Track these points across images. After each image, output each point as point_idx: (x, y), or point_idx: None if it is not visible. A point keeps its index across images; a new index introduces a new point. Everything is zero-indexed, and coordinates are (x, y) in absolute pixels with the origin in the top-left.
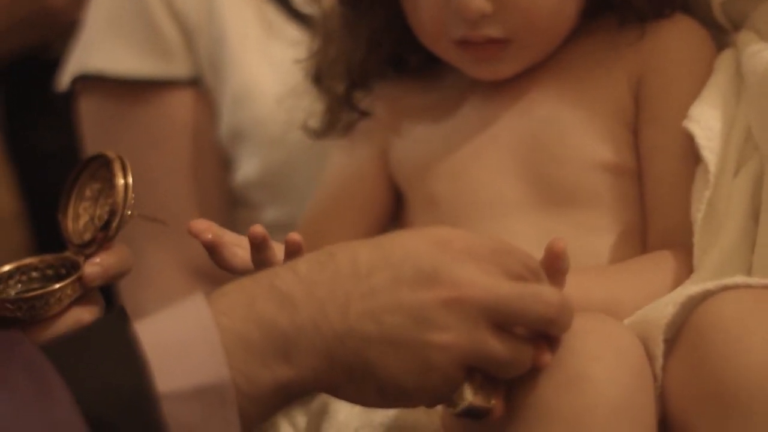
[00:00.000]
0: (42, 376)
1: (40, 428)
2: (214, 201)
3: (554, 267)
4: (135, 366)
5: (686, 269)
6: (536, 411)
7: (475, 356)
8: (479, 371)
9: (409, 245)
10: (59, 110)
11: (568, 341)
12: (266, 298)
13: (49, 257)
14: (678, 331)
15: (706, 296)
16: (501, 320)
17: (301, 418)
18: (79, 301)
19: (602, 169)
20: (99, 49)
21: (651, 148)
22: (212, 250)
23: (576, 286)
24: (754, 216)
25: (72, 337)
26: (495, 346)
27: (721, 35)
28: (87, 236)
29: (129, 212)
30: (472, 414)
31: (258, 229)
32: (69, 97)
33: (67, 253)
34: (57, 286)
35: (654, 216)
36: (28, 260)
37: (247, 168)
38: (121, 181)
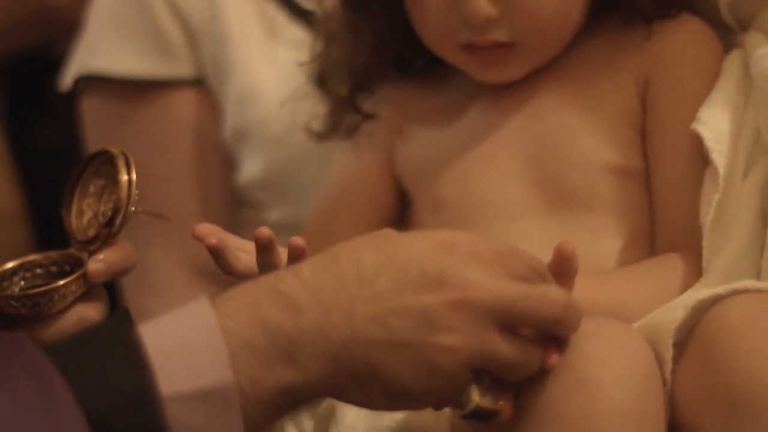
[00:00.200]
0: (44, 377)
1: (42, 429)
2: (218, 201)
3: (562, 270)
4: (138, 368)
5: (695, 272)
6: (544, 413)
7: (481, 358)
8: (486, 373)
9: (413, 248)
10: (61, 109)
11: (577, 344)
12: (271, 302)
13: (53, 254)
14: (688, 335)
15: (716, 300)
16: (507, 321)
17: (308, 423)
18: (83, 297)
19: (609, 172)
20: (101, 49)
21: (659, 150)
22: (216, 254)
23: (584, 290)
24: (763, 219)
25: (75, 339)
26: (502, 347)
27: (728, 35)
28: (91, 233)
29: (133, 208)
30: (479, 416)
31: (264, 231)
32: (71, 96)
33: (71, 250)
34: (61, 282)
35: (662, 219)
36: (31, 257)
37: (251, 168)
38: (124, 177)
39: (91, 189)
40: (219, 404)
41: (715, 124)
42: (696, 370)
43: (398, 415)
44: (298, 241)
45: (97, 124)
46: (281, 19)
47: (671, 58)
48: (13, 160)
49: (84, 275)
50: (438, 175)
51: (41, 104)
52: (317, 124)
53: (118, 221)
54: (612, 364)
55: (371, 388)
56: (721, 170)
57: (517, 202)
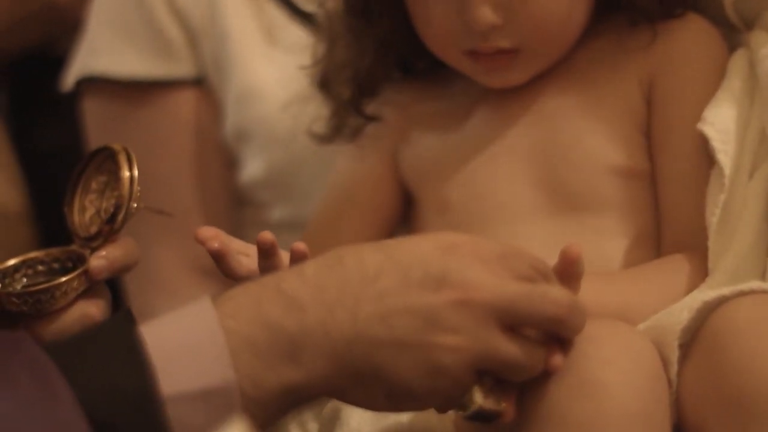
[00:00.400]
0: (45, 376)
1: (43, 428)
2: (220, 200)
3: (568, 272)
4: (139, 368)
5: (700, 273)
6: (548, 415)
7: (485, 358)
8: (490, 374)
9: (416, 249)
10: (64, 108)
11: (582, 346)
12: (273, 302)
13: (55, 250)
14: (693, 336)
15: (721, 302)
16: (510, 321)
17: (312, 424)
18: (85, 294)
19: (615, 173)
20: (102, 50)
21: (664, 151)
22: (218, 258)
23: (589, 291)
24: None
25: (76, 338)
26: (505, 347)
27: (733, 34)
28: (93, 229)
29: (135, 205)
30: (483, 417)
31: (267, 235)
32: (73, 95)
33: (73, 247)
34: (63, 279)
35: (668, 220)
36: (33, 254)
37: (253, 167)
38: (126, 174)
39: (93, 185)
40: (220, 404)
41: (720, 124)
42: (701, 371)
43: (403, 417)
44: (300, 246)
45: (98, 125)
46: (281, 19)
47: (676, 58)
48: (15, 159)
49: (86, 272)
50: (444, 178)
51: (43, 103)
52: (320, 127)
53: (120, 217)
54: (617, 365)
55: (373, 389)
56: (727, 170)
57: (522, 204)
